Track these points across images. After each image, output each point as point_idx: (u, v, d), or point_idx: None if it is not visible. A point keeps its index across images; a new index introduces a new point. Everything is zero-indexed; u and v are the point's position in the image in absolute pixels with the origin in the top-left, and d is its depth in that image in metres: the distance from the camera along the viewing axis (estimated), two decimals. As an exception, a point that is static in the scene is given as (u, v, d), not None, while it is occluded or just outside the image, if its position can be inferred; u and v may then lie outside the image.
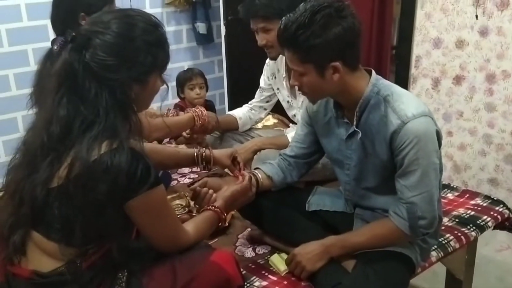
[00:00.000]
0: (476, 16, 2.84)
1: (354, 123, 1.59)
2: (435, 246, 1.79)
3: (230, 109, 3.74)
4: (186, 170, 2.55)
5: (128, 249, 1.33)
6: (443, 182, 2.20)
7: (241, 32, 3.59)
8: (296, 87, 1.65)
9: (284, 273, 1.67)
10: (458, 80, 3.02)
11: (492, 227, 2.03)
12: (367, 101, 1.56)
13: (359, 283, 1.51)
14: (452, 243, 1.85)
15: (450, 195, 2.23)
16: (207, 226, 1.54)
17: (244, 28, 3.55)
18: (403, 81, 3.26)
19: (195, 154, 1.87)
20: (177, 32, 4.06)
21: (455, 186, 2.34)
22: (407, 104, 1.50)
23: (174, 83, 3.09)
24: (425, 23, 3.09)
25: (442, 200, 1.99)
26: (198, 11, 4.01)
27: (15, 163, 1.35)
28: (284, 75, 2.36)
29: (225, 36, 3.68)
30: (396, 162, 1.53)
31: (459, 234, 1.90)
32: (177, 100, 3.16)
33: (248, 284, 1.61)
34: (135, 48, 1.28)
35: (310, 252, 1.60)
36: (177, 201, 2.16)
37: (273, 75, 2.44)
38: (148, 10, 3.80)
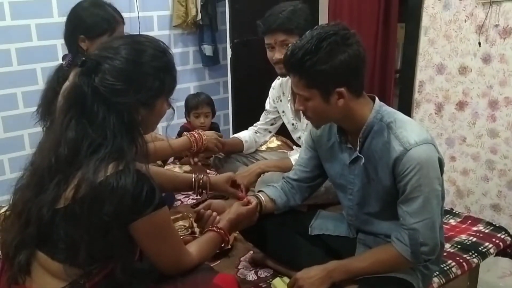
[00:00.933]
0: (479, 43, 2.87)
1: (358, 148, 1.61)
2: (437, 272, 1.79)
3: (234, 130, 3.79)
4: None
5: (131, 270, 1.34)
6: (446, 207, 2.21)
7: (246, 54, 3.66)
8: (301, 111, 1.67)
9: (286, 297, 1.67)
10: (461, 105, 3.05)
11: (494, 254, 2.03)
12: (370, 127, 1.58)
13: (360, 308, 1.51)
14: (454, 269, 1.85)
15: (452, 221, 2.24)
16: (210, 247, 1.55)
17: (249, 51, 3.64)
18: (407, 105, 3.28)
19: (193, 179, 1.89)
20: (184, 53, 4.12)
21: (457, 212, 2.34)
22: (410, 131, 1.52)
23: (180, 103, 3.12)
24: (428, 49, 3.13)
25: (444, 226, 2.00)
26: (205, 33, 4.08)
27: (23, 184, 1.37)
28: (289, 98, 2.39)
29: (230, 58, 3.73)
30: (399, 188, 1.54)
31: (461, 260, 1.90)
32: (184, 120, 3.19)
33: (250, 307, 1.62)
34: (143, 73, 1.31)
35: (313, 276, 1.60)
36: (180, 222, 2.17)
37: (279, 98, 2.47)
38: (156, 32, 3.87)
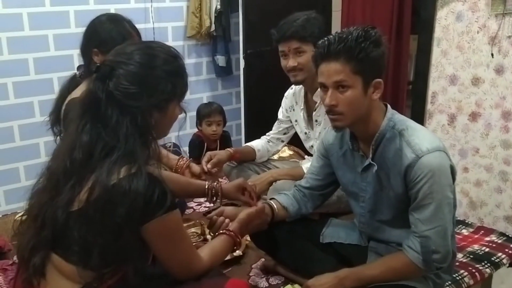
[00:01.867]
0: (492, 55, 2.87)
1: (370, 155, 1.62)
2: (449, 282, 1.78)
3: (246, 140, 3.80)
4: (202, 198, 2.57)
5: (143, 274, 1.35)
6: (458, 218, 2.20)
7: (259, 65, 3.68)
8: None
9: (297, 304, 1.67)
10: (474, 116, 3.04)
11: (507, 265, 2.01)
12: (382, 135, 1.59)
13: (372, 316, 1.51)
14: (466, 279, 1.84)
15: (465, 231, 2.22)
16: (222, 250, 1.55)
17: (262, 61, 3.66)
18: (419, 116, 3.28)
19: (206, 187, 1.91)
20: (197, 64, 4.16)
21: (470, 222, 2.33)
22: (422, 138, 1.53)
23: (192, 113, 3.16)
24: (441, 60, 3.13)
25: (457, 236, 1.99)
26: (218, 44, 4.12)
27: (39, 188, 1.39)
28: (302, 107, 2.40)
29: (243, 68, 3.76)
30: (410, 195, 1.54)
31: (474, 270, 1.89)
32: (195, 129, 3.23)
33: (261, 314, 1.62)
34: (156, 77, 1.34)
35: (324, 284, 1.60)
36: (193, 229, 2.18)
37: (292, 107, 2.49)
38: (171, 42, 3.91)
